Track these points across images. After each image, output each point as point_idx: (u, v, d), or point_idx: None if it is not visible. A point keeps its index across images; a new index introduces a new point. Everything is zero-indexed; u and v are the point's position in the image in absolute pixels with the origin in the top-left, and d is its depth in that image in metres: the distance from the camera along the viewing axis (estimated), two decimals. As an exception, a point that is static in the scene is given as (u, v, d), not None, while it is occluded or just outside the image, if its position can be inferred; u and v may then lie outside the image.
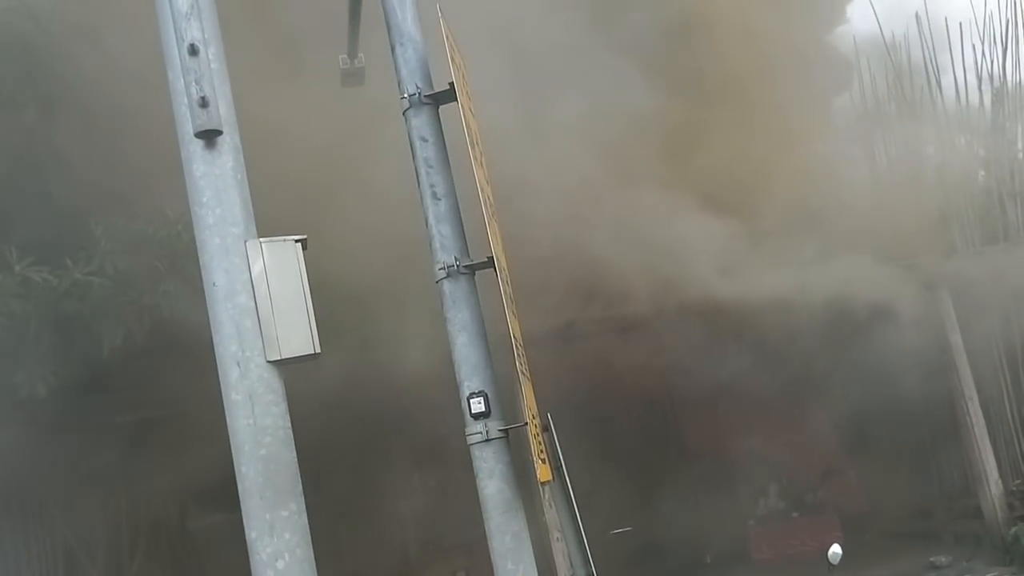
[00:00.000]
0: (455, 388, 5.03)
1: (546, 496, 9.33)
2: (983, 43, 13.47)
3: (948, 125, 13.42)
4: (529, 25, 10.21)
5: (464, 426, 4.94)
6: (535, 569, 4.91)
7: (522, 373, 5.00)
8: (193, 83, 4.43)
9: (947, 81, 13.46)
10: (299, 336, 4.63)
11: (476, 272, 5.11)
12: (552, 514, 9.65)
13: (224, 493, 5.20)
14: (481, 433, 4.88)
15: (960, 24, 13.41)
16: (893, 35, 13.69)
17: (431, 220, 5.13)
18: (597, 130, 10.42)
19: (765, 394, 12.37)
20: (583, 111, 10.41)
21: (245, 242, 4.63)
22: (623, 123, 10.71)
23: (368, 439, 11.21)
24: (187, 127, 4.59)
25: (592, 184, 10.28)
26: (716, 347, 11.45)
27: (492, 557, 4.90)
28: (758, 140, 11.55)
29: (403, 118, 5.27)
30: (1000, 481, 11.76)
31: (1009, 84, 13.50)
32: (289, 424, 4.59)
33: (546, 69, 10.47)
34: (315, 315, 4.69)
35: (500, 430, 4.90)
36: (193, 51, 4.43)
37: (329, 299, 6.45)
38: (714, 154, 11.16)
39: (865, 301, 10.67)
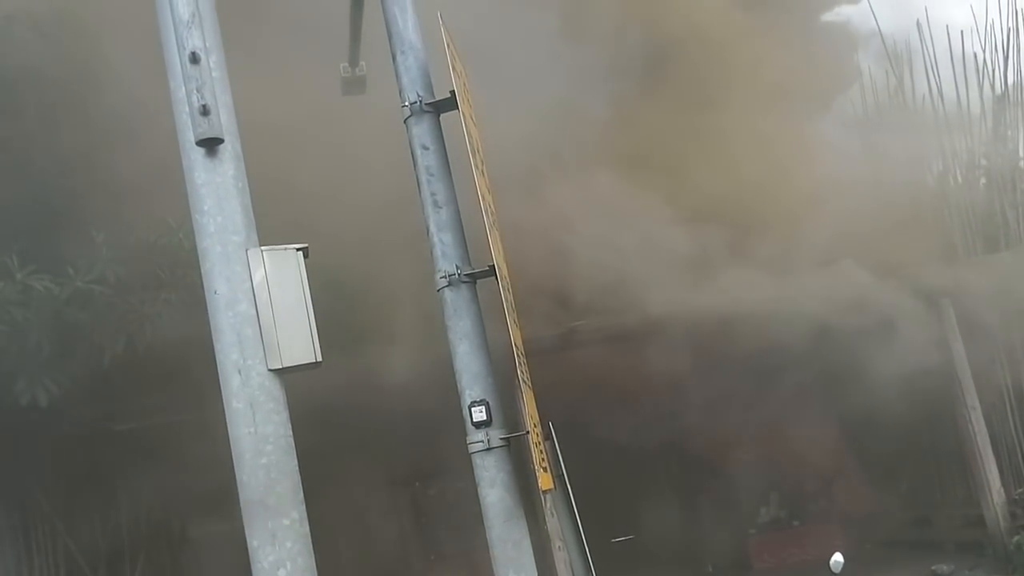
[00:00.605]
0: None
1: (547, 505, 9.31)
2: (984, 51, 13.49)
3: (949, 133, 13.41)
4: (507, 26, 10.18)
5: (465, 434, 4.94)
6: (537, 578, 4.91)
7: (523, 382, 5.00)
8: (194, 91, 4.42)
9: (948, 89, 13.47)
10: (300, 344, 4.63)
11: (477, 281, 5.11)
12: (554, 523, 9.63)
13: (225, 501, 5.19)
14: (482, 442, 4.88)
15: (961, 32, 13.44)
16: (895, 43, 13.72)
17: (432, 228, 5.14)
18: (574, 134, 10.41)
19: (765, 403, 12.35)
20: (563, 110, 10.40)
21: (246, 250, 4.63)
22: (599, 126, 10.70)
23: (367, 446, 11.18)
24: (188, 135, 4.59)
25: (573, 189, 10.28)
26: (716, 355, 11.43)
27: (494, 566, 4.89)
28: (757, 144, 11.53)
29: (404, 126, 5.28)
30: (1002, 490, 11.75)
31: (1010, 92, 13.50)
32: (291, 432, 4.59)
33: (524, 70, 10.42)
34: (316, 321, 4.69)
35: (501, 439, 4.90)
36: (194, 59, 4.43)
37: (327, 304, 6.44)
38: (711, 161, 11.15)
39: (866, 309, 10.65)
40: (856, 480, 14.22)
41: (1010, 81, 13.48)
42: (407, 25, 5.31)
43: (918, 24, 13.42)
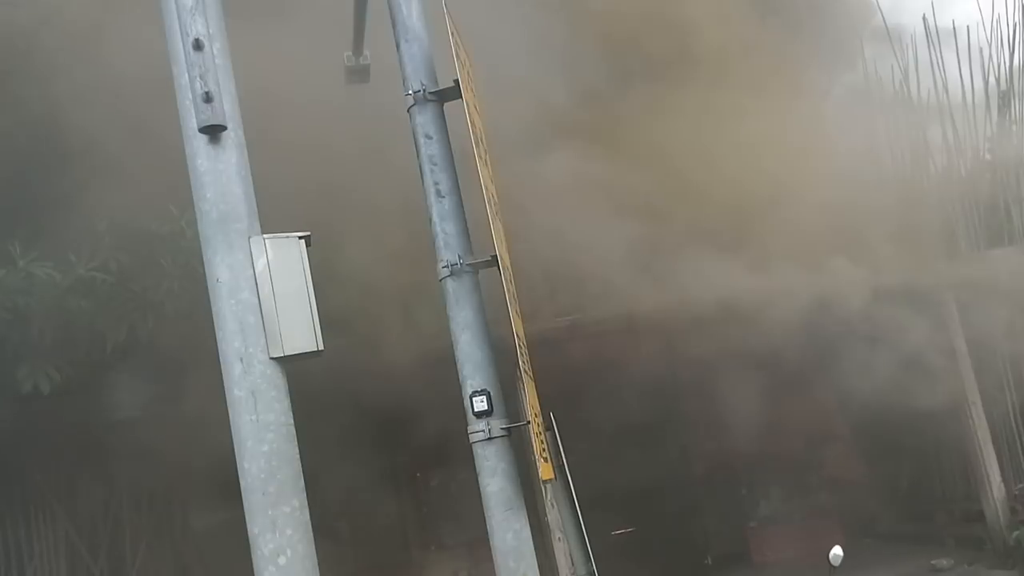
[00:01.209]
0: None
1: (548, 495, 9.31)
2: (990, 46, 13.44)
3: (954, 126, 13.37)
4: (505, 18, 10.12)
5: (466, 424, 4.95)
6: (537, 567, 4.91)
7: (524, 372, 5.00)
8: (197, 78, 4.41)
9: (953, 84, 13.42)
10: (302, 333, 4.63)
11: (479, 271, 5.11)
12: (554, 514, 9.63)
13: (226, 489, 5.20)
14: (483, 431, 4.89)
15: (967, 27, 13.39)
16: (900, 37, 13.67)
17: (435, 218, 5.13)
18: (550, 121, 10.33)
19: (765, 398, 12.33)
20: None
21: (249, 238, 4.63)
22: (588, 113, 10.64)
23: (368, 435, 11.19)
24: (191, 122, 4.58)
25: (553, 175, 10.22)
26: (718, 347, 11.39)
27: (494, 555, 4.90)
28: (756, 137, 11.47)
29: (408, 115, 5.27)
30: (1003, 485, 11.74)
31: (1016, 87, 13.46)
32: (292, 420, 4.60)
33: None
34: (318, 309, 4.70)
35: (502, 428, 4.90)
36: (198, 46, 4.42)
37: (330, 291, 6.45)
38: (709, 157, 11.08)
39: (868, 303, 10.63)
40: (857, 474, 14.24)
41: (1016, 75, 13.44)
42: (411, 13, 5.30)
43: (924, 18, 13.39)
